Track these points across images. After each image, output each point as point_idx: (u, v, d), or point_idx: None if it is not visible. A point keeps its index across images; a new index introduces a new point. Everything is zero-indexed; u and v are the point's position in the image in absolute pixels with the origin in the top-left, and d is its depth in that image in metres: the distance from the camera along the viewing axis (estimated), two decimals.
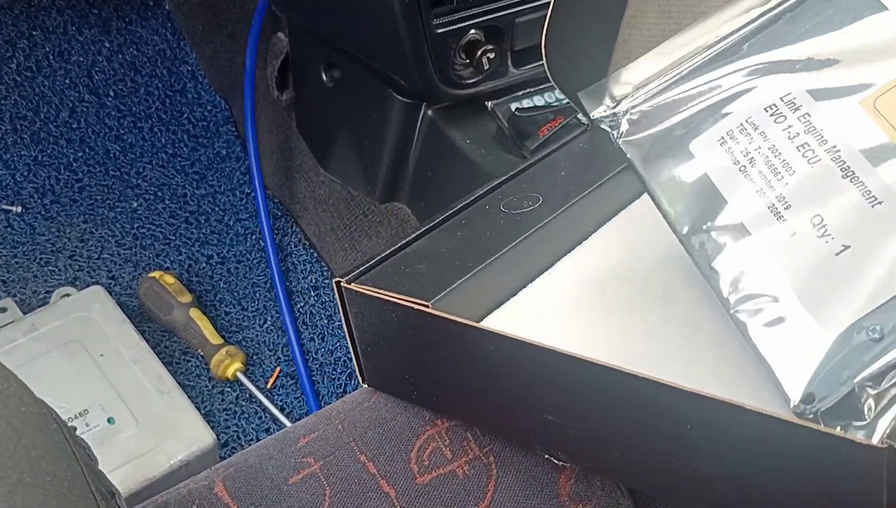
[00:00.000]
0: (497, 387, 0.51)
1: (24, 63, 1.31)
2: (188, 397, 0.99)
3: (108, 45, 1.36)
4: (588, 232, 0.60)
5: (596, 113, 0.57)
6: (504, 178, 0.62)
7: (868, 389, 0.42)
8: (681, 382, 0.41)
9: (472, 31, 0.92)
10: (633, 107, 0.55)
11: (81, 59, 1.34)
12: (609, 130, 0.55)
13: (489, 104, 0.97)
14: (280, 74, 1.19)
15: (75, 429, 0.49)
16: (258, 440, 1.02)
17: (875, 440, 0.41)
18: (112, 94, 1.35)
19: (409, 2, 0.86)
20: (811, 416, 0.43)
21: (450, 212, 0.59)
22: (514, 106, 0.96)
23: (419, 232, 0.57)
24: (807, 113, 0.47)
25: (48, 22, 1.33)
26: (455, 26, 0.91)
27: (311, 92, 1.16)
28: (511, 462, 0.57)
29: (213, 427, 0.98)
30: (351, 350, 0.57)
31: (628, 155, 0.53)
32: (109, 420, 0.93)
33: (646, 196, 0.63)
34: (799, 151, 0.47)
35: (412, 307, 0.49)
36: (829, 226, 0.45)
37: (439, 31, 0.90)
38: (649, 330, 0.54)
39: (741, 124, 0.49)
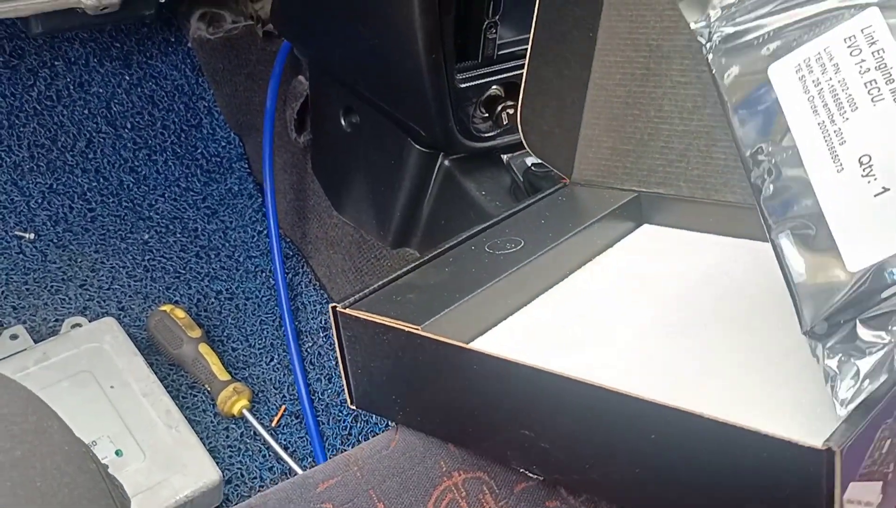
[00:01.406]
0: (478, 404, 0.55)
1: (44, 92, 1.33)
2: (195, 432, 0.99)
3: (127, 78, 1.38)
4: (565, 274, 0.66)
5: (695, 24, 0.59)
6: (489, 222, 0.68)
7: (866, 328, 0.45)
8: (645, 394, 0.45)
9: (494, 87, 0.94)
10: (728, 21, 0.57)
11: (101, 90, 1.36)
12: (702, 41, 0.58)
13: (505, 158, 0.99)
14: (298, 116, 1.21)
15: (107, 467, 0.51)
16: (261, 478, 1.03)
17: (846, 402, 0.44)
18: (129, 126, 1.36)
19: (435, 56, 0.88)
20: (820, 345, 0.46)
21: (439, 250, 0.65)
22: (529, 161, 0.98)
23: (410, 267, 0.63)
24: (881, 49, 0.48)
25: (70, 53, 1.35)
26: (477, 82, 0.93)
27: (329, 135, 1.18)
28: None
29: (217, 463, 0.98)
30: (342, 374, 0.62)
31: (713, 70, 0.56)
32: (117, 453, 0.94)
33: (620, 245, 0.70)
34: (866, 87, 0.48)
35: (403, 330, 0.55)
36: (874, 166, 0.46)
37: (462, 85, 0.92)
38: (620, 352, 0.58)
39: (818, 54, 0.50)
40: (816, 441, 0.41)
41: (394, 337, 0.56)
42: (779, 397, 0.51)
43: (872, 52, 0.48)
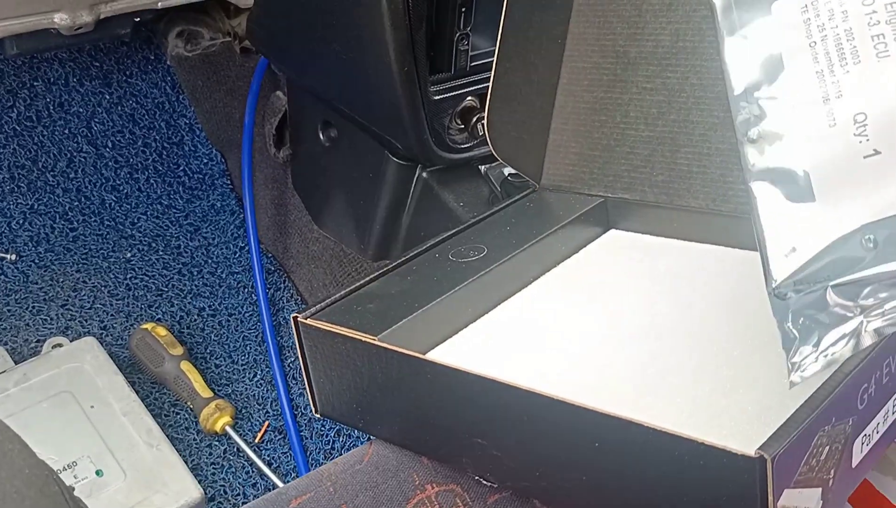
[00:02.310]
0: (435, 413, 0.56)
1: (24, 113, 1.33)
2: (176, 450, 0.99)
3: (108, 97, 1.38)
4: (528, 281, 0.66)
5: None
6: (454, 231, 0.69)
7: (836, 295, 0.43)
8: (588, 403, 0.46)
9: (468, 98, 0.94)
10: None
11: (81, 110, 1.36)
12: None
13: (483, 168, 0.99)
14: (277, 132, 1.21)
15: (73, 489, 0.50)
16: (245, 495, 1.02)
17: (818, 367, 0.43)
18: (110, 145, 1.36)
19: (407, 69, 0.88)
20: (784, 306, 0.45)
21: (401, 260, 0.66)
22: (506, 171, 0.98)
23: (372, 276, 0.64)
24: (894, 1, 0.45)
25: (50, 73, 1.35)
26: (451, 94, 0.93)
27: (308, 150, 1.18)
28: None
29: (200, 481, 0.98)
30: (305, 383, 0.63)
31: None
32: (98, 473, 0.94)
33: (585, 250, 0.71)
34: (872, 40, 0.45)
35: (360, 340, 0.56)
36: (868, 126, 0.44)
37: (436, 97, 0.93)
38: (575, 360, 0.58)
39: None
40: (749, 449, 0.41)
41: (352, 347, 0.57)
42: (726, 404, 0.51)
43: (885, 4, 0.44)
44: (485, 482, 0.58)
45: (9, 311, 1.17)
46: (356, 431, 1.07)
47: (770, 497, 0.41)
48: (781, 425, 0.43)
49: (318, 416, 0.65)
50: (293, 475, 1.06)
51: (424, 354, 0.58)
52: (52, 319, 1.17)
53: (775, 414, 0.47)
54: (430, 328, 0.60)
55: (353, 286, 0.63)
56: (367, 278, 0.64)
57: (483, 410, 0.53)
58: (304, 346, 0.61)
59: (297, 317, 0.60)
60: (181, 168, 1.39)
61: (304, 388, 1.12)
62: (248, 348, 1.18)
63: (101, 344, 1.08)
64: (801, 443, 0.43)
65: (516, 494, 0.58)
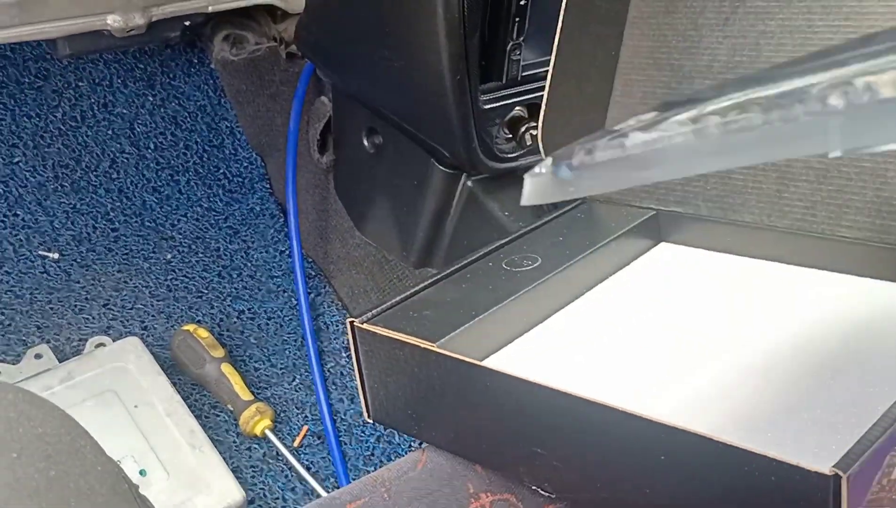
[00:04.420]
0: (492, 421, 0.56)
1: (69, 113, 1.34)
2: (218, 452, 1.00)
3: (151, 98, 1.39)
4: (582, 292, 0.66)
5: None
6: (507, 239, 0.69)
7: None
8: (655, 416, 0.45)
9: (517, 108, 0.95)
10: None
11: (125, 111, 1.37)
12: None
13: None
14: (321, 137, 1.22)
15: (138, 487, 0.51)
16: (284, 499, 1.03)
17: None
18: (152, 146, 1.38)
19: (459, 78, 0.89)
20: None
21: (456, 267, 0.66)
22: None
23: (427, 282, 0.64)
24: None
25: (95, 74, 1.37)
26: (500, 103, 0.94)
27: (352, 156, 1.18)
28: None
29: (240, 484, 0.98)
30: (358, 387, 0.63)
31: None
32: (141, 472, 0.94)
33: (636, 263, 0.70)
34: None
35: (418, 346, 0.56)
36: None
37: (485, 106, 0.93)
38: (633, 372, 0.58)
39: None
40: (824, 466, 0.41)
41: (409, 353, 0.57)
42: (793, 421, 0.51)
43: None
44: (542, 492, 0.57)
45: (51, 309, 1.18)
46: (396, 437, 1.07)
47: None
48: (855, 443, 0.43)
49: (371, 421, 0.65)
50: (332, 479, 1.06)
51: (482, 361, 0.58)
52: (94, 318, 1.18)
53: (845, 432, 0.46)
54: (487, 336, 0.60)
55: (409, 292, 0.63)
56: (422, 285, 0.64)
57: (543, 419, 0.53)
58: (359, 350, 0.61)
59: (353, 321, 0.60)
60: (221, 171, 1.40)
61: (346, 394, 1.12)
62: (287, 352, 1.19)
63: (145, 345, 1.09)
64: (875, 462, 0.43)
65: (574, 505, 0.58)
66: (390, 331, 0.58)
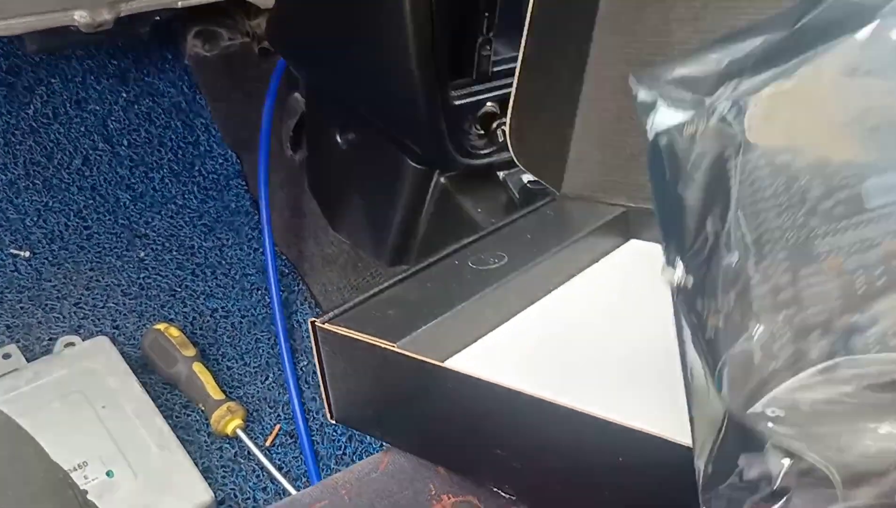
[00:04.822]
0: (453, 423, 0.55)
1: (41, 109, 1.33)
2: (187, 452, 0.98)
3: (124, 95, 1.38)
4: (549, 290, 0.65)
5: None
6: (473, 237, 0.68)
7: None
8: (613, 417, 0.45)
9: (489, 103, 0.94)
10: None
11: (98, 108, 1.36)
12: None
13: (501, 174, 0.98)
14: (294, 134, 1.20)
15: (86, 493, 0.50)
16: (255, 499, 1.02)
17: None
18: (126, 143, 1.36)
19: (428, 74, 0.88)
20: None
21: (421, 266, 0.64)
22: (525, 178, 0.97)
23: (391, 282, 0.63)
24: None
25: (67, 70, 1.35)
26: (472, 98, 0.93)
27: (325, 152, 1.17)
28: None
29: (210, 484, 0.97)
30: (321, 388, 0.61)
31: None
32: (108, 474, 0.93)
33: (606, 260, 0.70)
34: None
35: (379, 347, 0.55)
36: None
37: (456, 102, 0.92)
38: (596, 371, 0.57)
39: None
40: None
41: (370, 353, 0.56)
42: None
43: None
44: (504, 493, 0.57)
45: (21, 308, 1.17)
46: (368, 437, 1.06)
47: None
48: None
49: (333, 422, 0.64)
50: (304, 479, 1.05)
51: (443, 362, 0.57)
52: (64, 317, 1.17)
53: None
54: (450, 336, 0.59)
55: (372, 292, 0.62)
56: (386, 284, 0.63)
57: (503, 420, 0.52)
58: (320, 351, 0.60)
59: (314, 321, 0.59)
60: (196, 168, 1.38)
61: (318, 393, 1.11)
62: (260, 350, 1.18)
63: (114, 344, 1.08)
64: None
65: (535, 507, 0.58)
66: (351, 331, 0.57)
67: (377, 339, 0.56)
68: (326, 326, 0.59)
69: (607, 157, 0.73)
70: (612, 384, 0.56)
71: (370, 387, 0.59)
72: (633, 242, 0.72)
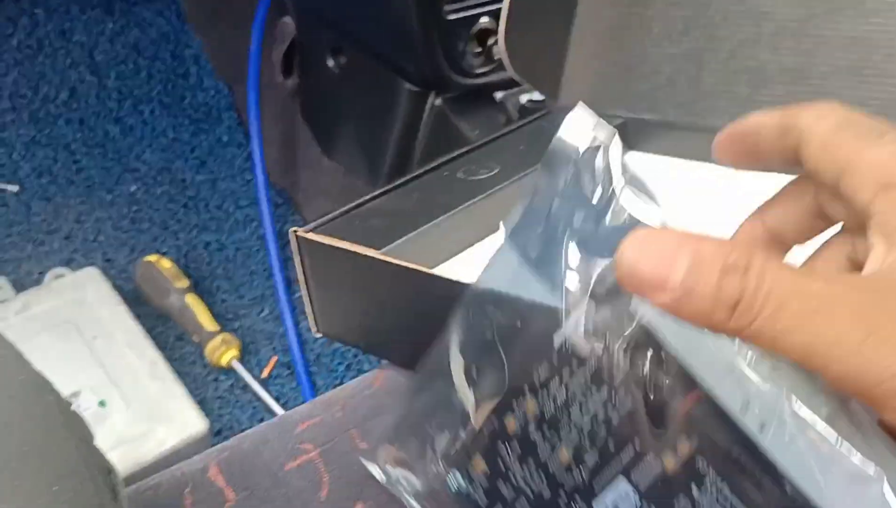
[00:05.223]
0: (439, 331, 0.53)
1: (24, 41, 1.29)
2: (182, 383, 0.97)
3: (110, 25, 1.34)
4: None
5: None
6: (465, 149, 0.65)
7: None
8: None
9: (484, 18, 0.90)
10: None
11: (83, 39, 1.32)
12: None
13: (499, 95, 0.95)
14: (286, 59, 1.17)
15: (69, 404, 0.48)
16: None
17: None
18: (113, 75, 1.33)
19: None
20: None
21: (408, 177, 0.62)
22: (524, 98, 0.94)
23: (376, 193, 0.60)
24: None
25: (51, 0, 1.31)
26: (466, 13, 0.89)
27: (317, 78, 1.14)
28: None
29: (206, 415, 0.95)
30: (305, 300, 0.60)
31: None
32: (101, 403, 0.91)
33: None
34: None
35: (362, 254, 0.53)
36: None
37: (450, 17, 0.88)
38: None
39: None
40: None
41: (354, 262, 0.54)
42: None
43: None
44: None
45: (11, 242, 1.15)
46: (366, 365, 1.04)
47: None
48: None
49: (318, 335, 0.62)
50: None
51: (431, 269, 0.55)
52: (54, 250, 1.15)
53: None
54: (437, 245, 0.57)
55: (357, 202, 0.60)
56: (371, 195, 0.61)
57: None
58: (304, 262, 0.58)
59: (296, 231, 0.57)
60: (186, 101, 1.35)
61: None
62: (255, 282, 1.16)
63: (105, 276, 1.06)
64: None
65: None
66: (333, 239, 0.55)
67: (360, 247, 0.54)
68: (309, 236, 0.56)
69: (605, 66, 0.70)
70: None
71: (355, 298, 0.57)
72: (630, 153, 0.70)
